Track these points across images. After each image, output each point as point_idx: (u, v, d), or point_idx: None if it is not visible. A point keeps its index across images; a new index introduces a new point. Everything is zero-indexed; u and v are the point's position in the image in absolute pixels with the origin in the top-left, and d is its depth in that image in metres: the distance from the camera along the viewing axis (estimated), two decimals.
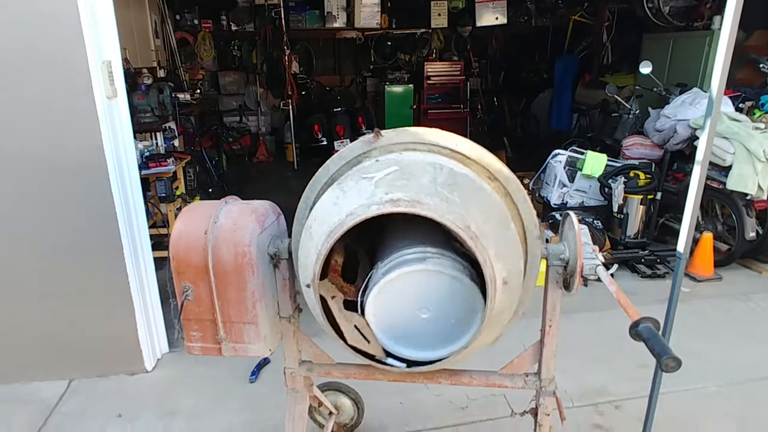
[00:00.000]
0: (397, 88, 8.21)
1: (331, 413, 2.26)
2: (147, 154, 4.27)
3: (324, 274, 1.45)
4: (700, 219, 4.15)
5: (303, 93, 8.28)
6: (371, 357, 1.51)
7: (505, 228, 1.38)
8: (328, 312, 1.45)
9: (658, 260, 4.11)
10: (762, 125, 3.91)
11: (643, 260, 4.11)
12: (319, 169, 1.63)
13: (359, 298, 1.44)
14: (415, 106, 8.26)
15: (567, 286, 1.60)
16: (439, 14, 8.31)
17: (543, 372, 1.69)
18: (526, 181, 4.71)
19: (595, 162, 4.39)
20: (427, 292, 1.39)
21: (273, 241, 1.66)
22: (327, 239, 1.30)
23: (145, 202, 2.93)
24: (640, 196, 4.14)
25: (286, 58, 7.47)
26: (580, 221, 1.53)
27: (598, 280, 1.52)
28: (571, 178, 4.61)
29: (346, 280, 1.54)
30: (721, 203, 4.06)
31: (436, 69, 8.40)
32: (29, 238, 2.59)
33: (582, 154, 4.55)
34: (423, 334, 1.45)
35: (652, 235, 4.36)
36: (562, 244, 1.58)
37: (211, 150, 6.41)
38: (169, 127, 4.99)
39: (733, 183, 3.71)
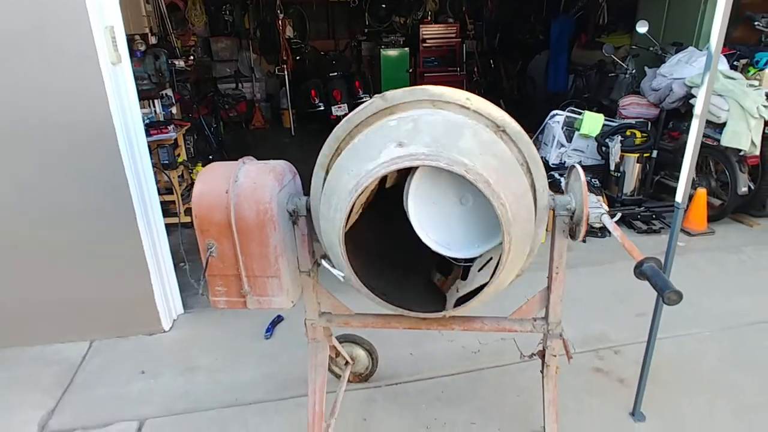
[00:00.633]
0: (393, 52, 8.15)
1: (347, 363, 2.39)
2: (147, 121, 4.27)
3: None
4: (694, 176, 4.24)
5: (297, 58, 8.21)
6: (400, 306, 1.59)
7: (517, 175, 1.45)
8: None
9: (654, 216, 4.23)
10: (756, 82, 3.97)
11: (639, 216, 4.22)
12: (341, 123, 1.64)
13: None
14: (411, 70, 8.22)
15: (572, 235, 1.69)
16: None
17: (550, 316, 1.80)
18: None
19: (592, 122, 4.46)
20: (464, 188, 1.46)
21: (291, 199, 1.73)
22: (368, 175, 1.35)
23: None
24: (637, 155, 4.23)
25: (280, 22, 7.37)
26: None
27: (603, 227, 1.61)
28: (569, 138, 4.69)
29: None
30: (715, 160, 4.15)
31: (431, 31, 8.32)
32: (45, 206, 2.64)
33: (579, 114, 4.61)
34: (456, 231, 1.51)
35: (648, 192, 4.47)
36: (568, 196, 1.67)
37: (208, 117, 6.39)
38: (166, 94, 4.97)
39: (727, 139, 3.79)
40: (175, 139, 4.35)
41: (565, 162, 4.63)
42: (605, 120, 4.50)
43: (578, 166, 1.63)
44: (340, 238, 1.42)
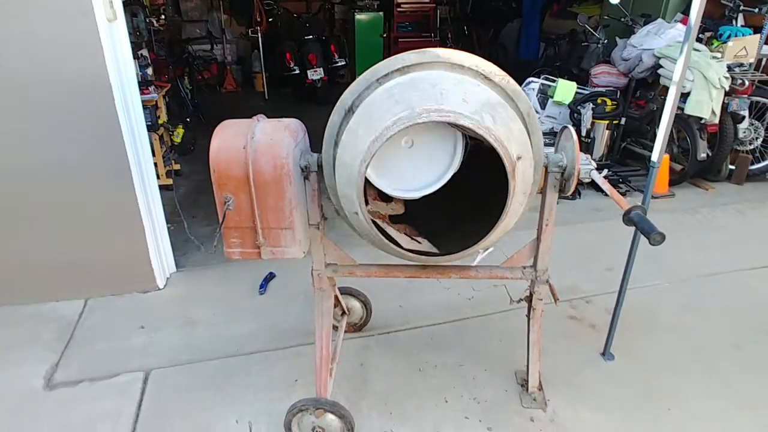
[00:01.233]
0: (367, 16, 8.09)
1: (343, 314, 2.54)
2: None
3: None
4: None
5: (270, 20, 8.04)
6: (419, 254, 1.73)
7: (515, 122, 1.60)
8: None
9: (621, 180, 4.50)
10: (719, 55, 4.23)
11: (607, 180, 4.47)
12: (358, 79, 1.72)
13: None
14: (385, 35, 8.19)
15: (562, 189, 1.87)
16: None
17: (539, 264, 1.99)
18: None
19: (565, 90, 4.64)
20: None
21: (303, 155, 1.84)
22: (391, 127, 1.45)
23: None
24: (607, 122, 4.46)
25: None
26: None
27: (591, 182, 1.79)
28: (543, 105, 4.87)
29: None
30: (678, 127, 4.43)
31: None
32: (42, 162, 2.64)
33: (553, 82, 4.78)
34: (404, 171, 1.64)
35: (615, 158, 4.73)
36: (560, 154, 1.83)
37: (181, 80, 6.26)
38: (142, 54, 4.86)
39: (691, 108, 4.05)
40: (156, 101, 4.30)
41: None
42: (577, 88, 4.69)
43: (570, 127, 1.79)
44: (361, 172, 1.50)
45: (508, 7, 8.51)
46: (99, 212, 2.81)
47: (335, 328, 2.56)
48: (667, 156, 4.34)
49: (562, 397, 2.29)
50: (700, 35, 4.57)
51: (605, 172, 4.50)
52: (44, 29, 2.40)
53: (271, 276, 3.19)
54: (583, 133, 4.49)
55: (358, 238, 1.89)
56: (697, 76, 4.02)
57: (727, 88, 4.04)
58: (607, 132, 4.51)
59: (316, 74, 6.92)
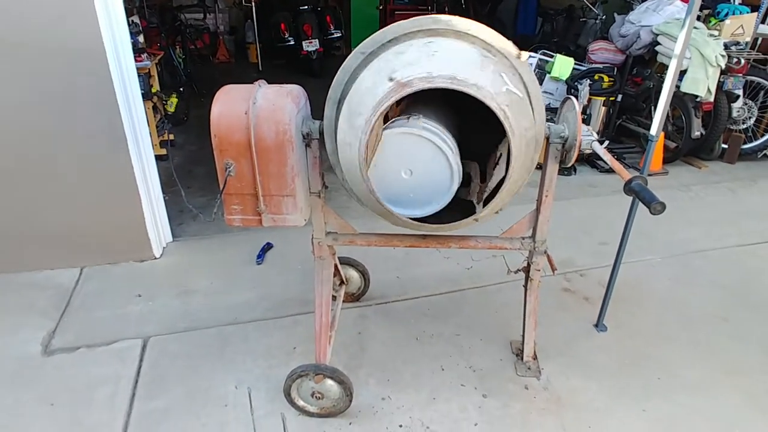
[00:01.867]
0: None
1: (342, 283, 2.56)
2: None
3: None
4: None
5: None
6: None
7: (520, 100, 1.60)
8: None
9: (616, 157, 4.50)
10: (716, 32, 4.22)
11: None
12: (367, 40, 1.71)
13: None
14: (381, 7, 8.05)
15: (563, 161, 1.88)
16: None
17: (537, 234, 2.02)
18: None
19: (563, 65, 4.62)
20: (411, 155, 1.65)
21: (305, 122, 1.82)
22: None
23: None
24: (603, 98, 4.46)
25: None
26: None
27: (592, 153, 1.81)
28: (540, 81, 4.84)
29: None
30: (673, 105, 4.44)
31: None
32: (37, 129, 2.59)
33: (551, 57, 4.76)
34: (407, 197, 1.73)
35: (611, 134, 4.75)
36: (561, 125, 1.84)
37: (173, 49, 6.13)
38: (133, 21, 4.73)
39: (687, 86, 4.06)
40: (149, 69, 4.22)
41: None
42: (574, 64, 4.68)
43: (573, 98, 1.79)
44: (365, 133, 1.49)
45: None
46: (94, 180, 2.78)
47: (334, 297, 2.58)
48: (661, 133, 4.35)
49: (555, 366, 2.35)
50: (699, 12, 4.55)
51: (606, 143, 4.52)
52: None
53: (268, 246, 3.20)
54: (580, 110, 4.48)
55: (355, 210, 1.89)
56: (694, 54, 4.01)
57: (724, 67, 4.05)
58: (603, 109, 4.51)
59: (311, 46, 6.81)
